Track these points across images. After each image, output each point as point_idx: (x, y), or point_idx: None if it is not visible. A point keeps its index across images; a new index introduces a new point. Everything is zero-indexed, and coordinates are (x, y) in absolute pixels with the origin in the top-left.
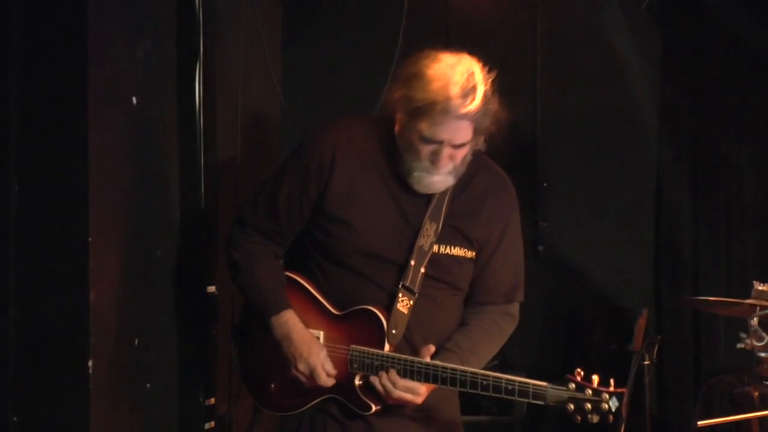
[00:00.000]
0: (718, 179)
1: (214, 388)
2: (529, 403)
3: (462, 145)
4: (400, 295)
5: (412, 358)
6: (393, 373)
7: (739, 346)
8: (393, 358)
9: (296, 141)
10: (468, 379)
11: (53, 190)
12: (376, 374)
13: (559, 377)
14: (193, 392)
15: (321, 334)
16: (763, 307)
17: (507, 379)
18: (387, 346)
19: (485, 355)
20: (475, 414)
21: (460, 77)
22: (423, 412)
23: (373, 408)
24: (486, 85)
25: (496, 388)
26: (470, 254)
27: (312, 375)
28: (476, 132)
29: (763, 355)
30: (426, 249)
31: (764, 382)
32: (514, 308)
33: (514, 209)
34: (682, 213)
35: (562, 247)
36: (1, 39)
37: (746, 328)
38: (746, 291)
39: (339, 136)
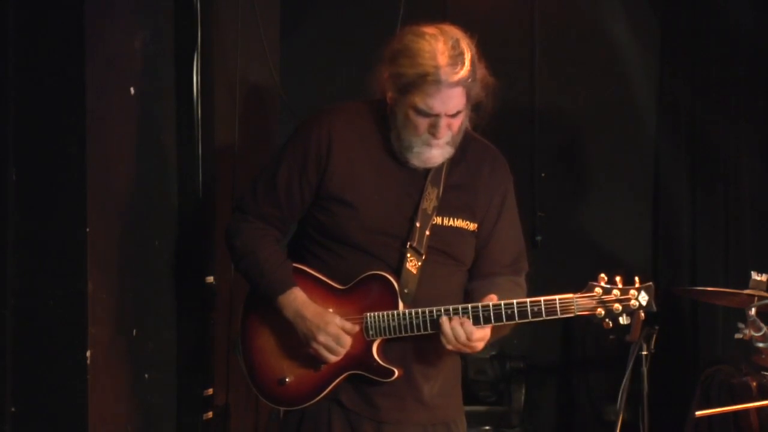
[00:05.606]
0: (717, 170)
1: (212, 378)
2: (527, 393)
3: (457, 114)
4: (409, 255)
5: (430, 308)
6: (464, 320)
7: (737, 336)
8: (412, 313)
9: (294, 130)
10: (491, 312)
11: (51, 181)
12: (394, 335)
13: (583, 285)
14: (191, 382)
15: (330, 311)
16: (761, 298)
17: (532, 302)
18: (401, 305)
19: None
20: (473, 404)
21: (445, 46)
22: (428, 398)
23: (396, 373)
24: (472, 50)
25: (522, 314)
26: (473, 226)
27: (335, 343)
28: (468, 98)
29: (761, 345)
30: (429, 212)
31: (762, 372)
32: (522, 279)
33: (509, 179)
34: (681, 203)
35: (560, 238)
36: None
37: (744, 319)
38: (744, 281)
39: (333, 120)
